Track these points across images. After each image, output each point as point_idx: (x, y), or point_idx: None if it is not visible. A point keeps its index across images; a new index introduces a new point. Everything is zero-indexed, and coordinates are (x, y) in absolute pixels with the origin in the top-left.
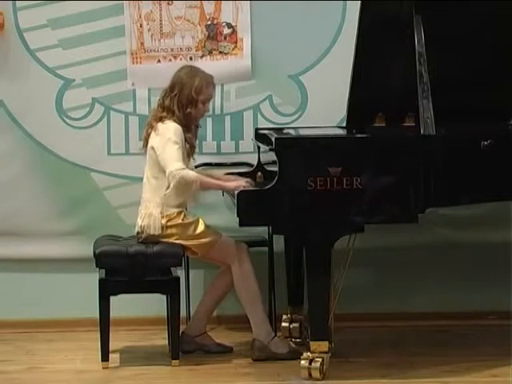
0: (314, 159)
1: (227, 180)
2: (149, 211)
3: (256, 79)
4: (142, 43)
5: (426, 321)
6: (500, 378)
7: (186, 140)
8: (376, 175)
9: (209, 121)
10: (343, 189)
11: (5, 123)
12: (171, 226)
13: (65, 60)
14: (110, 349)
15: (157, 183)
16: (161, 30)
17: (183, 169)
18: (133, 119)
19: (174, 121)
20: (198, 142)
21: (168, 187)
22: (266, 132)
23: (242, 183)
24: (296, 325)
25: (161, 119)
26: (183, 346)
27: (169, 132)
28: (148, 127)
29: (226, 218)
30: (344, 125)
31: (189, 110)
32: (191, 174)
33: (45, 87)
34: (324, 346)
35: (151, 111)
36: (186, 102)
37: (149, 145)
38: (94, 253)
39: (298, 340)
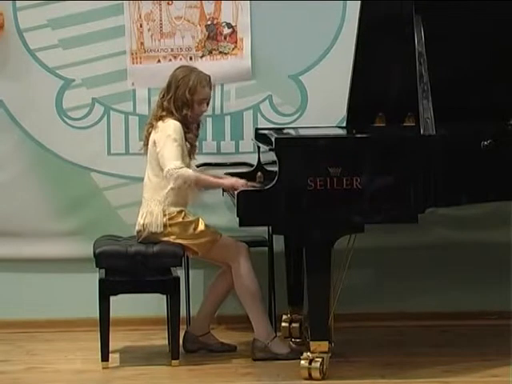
0: (314, 159)
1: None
2: (150, 209)
3: (256, 79)
4: (142, 43)
5: (426, 321)
6: (500, 378)
7: (186, 140)
8: (376, 175)
9: (209, 121)
10: (343, 189)
11: (5, 123)
12: (172, 225)
13: (65, 60)
14: (110, 349)
15: (158, 181)
16: (161, 30)
17: (181, 167)
18: (133, 119)
19: (174, 119)
20: (198, 142)
21: (169, 186)
22: (266, 132)
23: (239, 184)
24: (296, 325)
25: (161, 118)
26: (187, 346)
27: (169, 129)
28: (148, 126)
29: (226, 217)
30: (344, 125)
31: (185, 111)
32: (189, 172)
33: (45, 87)
34: (324, 346)
35: (151, 110)
36: (180, 103)
37: (149, 143)
38: (94, 253)
39: (298, 340)
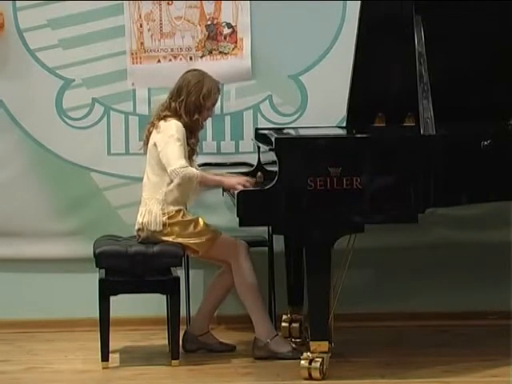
0: (314, 159)
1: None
2: (149, 208)
3: (256, 79)
4: (142, 43)
5: (426, 321)
6: (500, 378)
7: (188, 144)
8: (376, 175)
9: (209, 121)
10: (343, 189)
11: (5, 123)
12: (171, 224)
13: (65, 60)
14: (110, 349)
15: (157, 180)
16: (161, 30)
17: (186, 166)
18: (133, 119)
19: (178, 120)
20: (198, 147)
21: (169, 184)
22: (266, 132)
23: (243, 181)
24: (296, 325)
25: (164, 118)
26: (186, 345)
27: (171, 129)
28: (150, 125)
29: (226, 218)
30: (344, 125)
31: (196, 116)
32: (194, 171)
33: (45, 87)
34: (324, 346)
35: (153, 110)
36: (193, 108)
37: (150, 142)
38: (94, 253)
39: (298, 340)
